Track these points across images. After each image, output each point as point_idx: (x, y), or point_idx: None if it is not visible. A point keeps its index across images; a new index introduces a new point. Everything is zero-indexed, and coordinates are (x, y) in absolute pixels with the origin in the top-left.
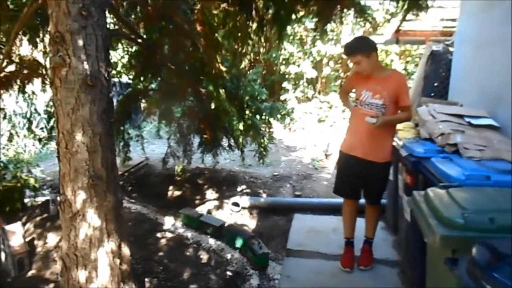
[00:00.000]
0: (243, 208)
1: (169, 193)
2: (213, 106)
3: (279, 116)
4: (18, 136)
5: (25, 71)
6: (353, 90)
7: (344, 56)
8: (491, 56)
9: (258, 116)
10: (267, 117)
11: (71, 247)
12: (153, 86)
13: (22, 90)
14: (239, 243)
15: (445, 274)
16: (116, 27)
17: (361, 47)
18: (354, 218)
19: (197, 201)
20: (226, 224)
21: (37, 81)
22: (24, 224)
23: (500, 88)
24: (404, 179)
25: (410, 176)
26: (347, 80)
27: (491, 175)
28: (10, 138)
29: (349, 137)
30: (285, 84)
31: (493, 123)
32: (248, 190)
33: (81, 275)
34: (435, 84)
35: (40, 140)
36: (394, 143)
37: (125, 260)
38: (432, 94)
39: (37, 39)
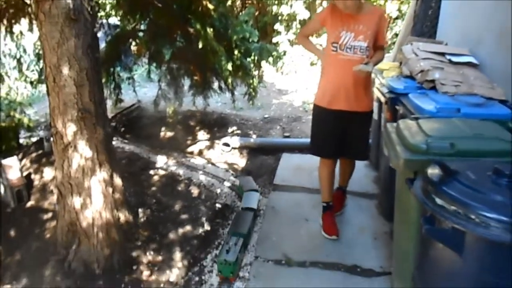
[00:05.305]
0: (234, 148)
1: (161, 134)
2: (200, 46)
3: (271, 59)
4: (9, 78)
5: (11, 10)
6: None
7: None
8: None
9: (247, 58)
10: (256, 58)
11: (65, 176)
12: (142, 27)
13: (9, 30)
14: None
15: (406, 195)
16: None
17: None
18: (333, 181)
19: (188, 142)
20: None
21: (24, 22)
22: (20, 161)
23: (481, 30)
24: (385, 116)
25: (390, 112)
26: (317, 18)
27: (462, 108)
28: (1, 80)
29: (330, 89)
30: (277, 26)
31: (472, 60)
32: (238, 132)
33: (76, 201)
34: (425, 24)
35: (31, 82)
36: (378, 82)
37: (117, 189)
38: (421, 35)
39: None
